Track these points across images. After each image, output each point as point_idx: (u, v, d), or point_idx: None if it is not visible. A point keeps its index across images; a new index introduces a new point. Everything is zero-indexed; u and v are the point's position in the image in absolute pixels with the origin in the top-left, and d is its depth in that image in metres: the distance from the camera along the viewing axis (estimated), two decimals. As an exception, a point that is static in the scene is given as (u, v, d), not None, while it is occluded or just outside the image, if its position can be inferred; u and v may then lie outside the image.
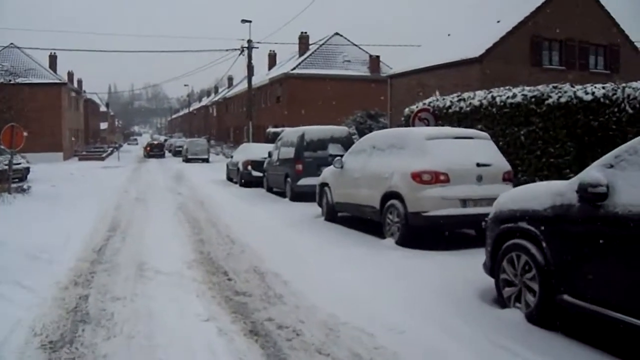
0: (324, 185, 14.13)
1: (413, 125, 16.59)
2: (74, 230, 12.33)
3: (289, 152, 18.88)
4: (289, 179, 18.64)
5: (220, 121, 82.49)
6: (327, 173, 14.10)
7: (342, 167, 13.07)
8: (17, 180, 25.57)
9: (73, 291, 7.84)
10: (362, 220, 12.54)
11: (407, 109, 18.44)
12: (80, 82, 71.64)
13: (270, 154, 21.28)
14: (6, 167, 25.01)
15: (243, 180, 24.18)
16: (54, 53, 53.32)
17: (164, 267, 9.12)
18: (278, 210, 16.00)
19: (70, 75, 64.24)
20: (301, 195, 17.75)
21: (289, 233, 12.34)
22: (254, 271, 8.84)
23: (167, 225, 13.58)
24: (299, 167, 17.98)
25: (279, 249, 10.56)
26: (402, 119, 18.97)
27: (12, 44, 46.86)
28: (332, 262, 9.30)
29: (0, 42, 44.48)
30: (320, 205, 14.53)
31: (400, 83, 35.98)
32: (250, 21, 40.85)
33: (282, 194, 19.61)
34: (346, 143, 17.97)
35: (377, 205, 11.27)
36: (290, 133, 19.91)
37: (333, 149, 17.93)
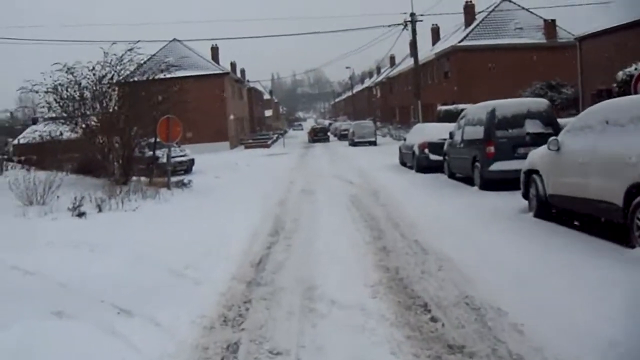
0: (531, 172, 11.02)
1: (636, 92, 13.05)
2: (231, 235, 10.58)
3: (476, 132, 15.86)
4: (477, 164, 15.62)
5: (384, 102, 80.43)
6: (536, 157, 10.99)
7: (558, 149, 9.89)
8: (182, 172, 25.39)
9: (220, 335, 5.80)
10: (589, 217, 9.33)
11: (620, 73, 14.60)
12: (243, 71, 73.25)
13: (451, 135, 18.35)
14: (173, 159, 25.03)
15: (420, 165, 21.51)
16: (215, 45, 54.30)
17: (339, 294, 6.81)
18: (468, 203, 13.15)
19: (233, 65, 65.58)
20: (493, 183, 14.74)
21: (491, 236, 9.50)
22: (465, 304, 6.19)
23: (340, 227, 11.36)
24: (490, 149, 14.91)
25: (487, 261, 7.82)
26: (615, 85, 15.13)
27: (174, 38, 48.22)
28: (574, 287, 6.37)
29: (163, 37, 45.75)
30: (526, 197, 11.44)
31: (593, 46, 30.90)
32: (412, -7, 37.83)
33: (467, 181, 16.64)
34: (546, 118, 14.73)
35: (617, 201, 8.02)
36: (477, 109, 16.83)
37: (531, 126, 14.63)
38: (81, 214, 12.06)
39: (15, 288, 7.12)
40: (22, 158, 22.00)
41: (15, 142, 32.27)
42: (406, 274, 7.60)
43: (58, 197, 13.24)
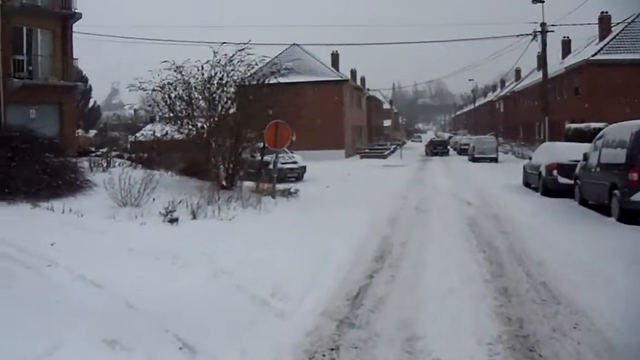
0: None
1: None
2: (329, 258, 9.43)
3: (616, 155, 13.68)
4: (616, 192, 13.41)
5: (507, 117, 76.52)
6: None
7: None
8: (293, 179, 24.69)
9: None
10: None
11: None
12: (363, 79, 72.38)
13: (586, 157, 16.15)
14: (283, 165, 24.43)
15: (546, 188, 19.35)
16: (336, 51, 53.83)
17: (447, 351, 5.45)
18: (605, 239, 11.02)
19: (353, 72, 64.90)
20: (635, 215, 12.60)
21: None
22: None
23: (454, 256, 9.87)
24: (634, 176, 12.75)
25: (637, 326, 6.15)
26: None
27: (294, 43, 48.16)
28: None
29: (285, 41, 45.75)
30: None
31: None
32: (542, 1, 35.08)
33: (601, 210, 14.43)
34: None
35: None
36: (618, 129, 14.55)
37: (686, 151, 12.39)
38: (173, 220, 11.41)
39: (75, 303, 6.37)
40: (132, 155, 22.10)
41: (132, 139, 33.10)
42: (532, 330, 6.08)
43: (154, 199, 12.74)
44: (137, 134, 33.42)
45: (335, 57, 54.02)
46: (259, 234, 11.01)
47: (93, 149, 25.58)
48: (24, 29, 22.68)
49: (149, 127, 29.68)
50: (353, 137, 53.64)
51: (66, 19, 23.90)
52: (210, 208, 12.79)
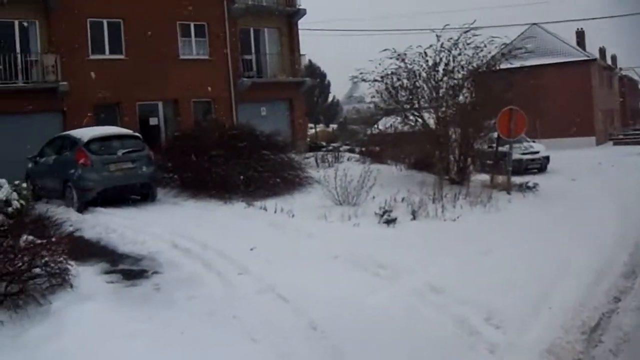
0: None
1: None
2: (564, 270, 7.71)
3: None
4: None
5: None
6: None
7: None
8: (535, 171, 22.50)
9: None
10: None
11: None
12: (614, 57, 64.96)
13: None
14: (523, 156, 22.30)
15: None
16: (581, 28, 48.62)
17: None
18: None
19: (602, 51, 58.47)
20: None
21: None
22: None
23: None
24: None
25: None
26: None
27: (533, 23, 44.50)
28: None
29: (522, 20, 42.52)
30: None
31: None
32: None
33: None
34: None
35: None
36: None
37: None
38: (389, 221, 10.49)
39: (252, 321, 5.81)
40: (363, 149, 21.79)
41: (369, 132, 33.11)
42: None
43: (374, 197, 11.97)
44: (373, 128, 33.48)
45: (580, 35, 49.00)
46: (484, 238, 9.60)
47: (324, 144, 25.97)
48: (251, 29, 23.73)
49: (385, 120, 29.44)
50: (604, 122, 48.22)
51: (291, 16, 24.60)
52: (434, 206, 11.67)
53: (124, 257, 8.77)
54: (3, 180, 10.89)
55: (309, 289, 6.68)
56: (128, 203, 13.07)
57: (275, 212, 11.54)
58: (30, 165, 14.54)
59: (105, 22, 20.12)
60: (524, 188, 15.35)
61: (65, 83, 18.59)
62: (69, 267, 6.83)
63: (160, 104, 21.87)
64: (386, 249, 8.42)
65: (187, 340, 5.44)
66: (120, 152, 12.81)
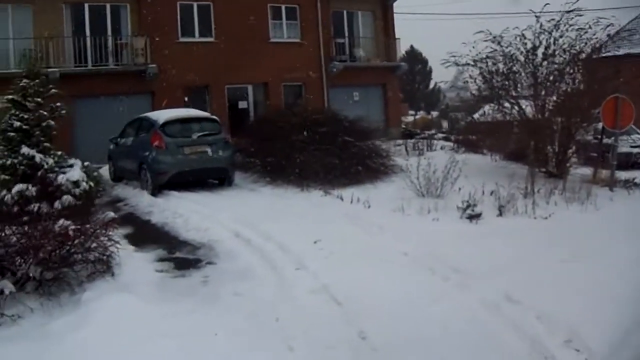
0: None
1: None
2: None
3: None
4: None
5: None
6: None
7: None
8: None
9: None
10: None
11: None
12: None
13: None
14: (632, 149, 20.25)
15: None
16: None
17: None
18: None
19: None
20: None
21: None
22: None
23: None
24: None
25: None
26: None
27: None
28: None
29: None
30: None
31: None
32: None
33: None
34: None
35: None
36: None
37: None
38: (472, 217, 9.53)
39: (294, 326, 5.24)
40: (459, 137, 20.66)
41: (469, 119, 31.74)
42: None
43: (460, 189, 11.00)
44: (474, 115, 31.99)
45: None
46: (578, 241, 8.31)
47: (418, 132, 25.01)
48: (344, 12, 23.00)
49: (487, 107, 27.93)
50: None
51: (385, -1, 23.65)
52: (524, 202, 10.56)
53: (183, 245, 8.43)
54: (77, 161, 10.89)
55: (366, 291, 5.99)
56: (203, 187, 12.81)
57: (351, 202, 10.87)
58: (111, 146, 14.63)
59: (195, 4, 20.07)
60: (630, 184, 13.75)
61: (154, 65, 18.71)
62: (111, 254, 6.48)
63: (249, 87, 21.66)
64: (463, 249, 7.53)
65: (218, 343, 4.92)
66: (195, 135, 12.52)
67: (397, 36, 24.03)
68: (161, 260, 7.65)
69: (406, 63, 28.34)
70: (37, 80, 10.59)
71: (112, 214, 6.76)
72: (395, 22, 24.13)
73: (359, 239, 8.23)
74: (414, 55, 47.64)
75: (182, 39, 19.86)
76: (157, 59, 18.95)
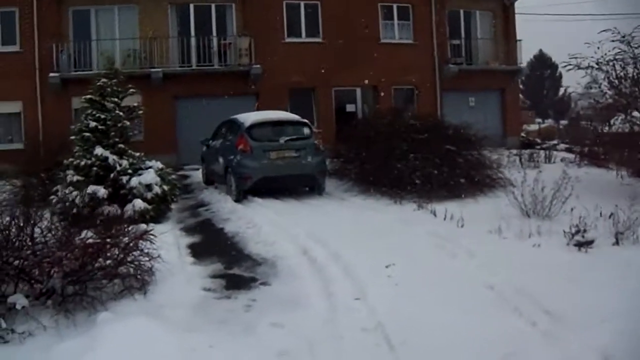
0: None
1: None
2: None
3: None
4: None
5: None
6: None
7: None
8: None
9: None
10: None
11: None
12: None
13: None
14: None
15: None
16: None
17: None
18: None
19: None
20: None
21: None
22: None
23: None
24: None
25: None
26: None
27: None
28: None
29: None
30: None
31: None
32: None
33: None
34: None
35: None
36: None
37: None
38: (582, 244, 8.04)
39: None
40: (583, 150, 18.67)
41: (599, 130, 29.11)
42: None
43: (572, 209, 9.45)
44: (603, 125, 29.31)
45: None
46: None
47: (539, 141, 23.07)
48: (461, 12, 21.62)
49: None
50: None
51: (506, -4, 21.95)
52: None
53: (245, 259, 7.75)
54: (156, 164, 10.55)
55: (429, 333, 4.98)
56: (291, 195, 12.12)
57: (444, 218, 9.74)
58: (204, 148, 14.33)
59: (302, 4, 19.64)
60: None
61: (258, 66, 18.42)
62: (148, 269, 5.87)
63: (358, 90, 20.86)
64: (563, 284, 6.20)
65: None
66: (282, 140, 11.84)
67: (518, 37, 22.30)
68: (214, 276, 6.99)
69: (534, 68, 26.42)
70: (114, 80, 10.33)
71: (144, 226, 6.14)
72: (516, 23, 22.42)
73: (439, 265, 7.13)
74: (542, 60, 44.88)
75: (288, 39, 19.46)
76: (262, 59, 18.67)
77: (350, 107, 20.62)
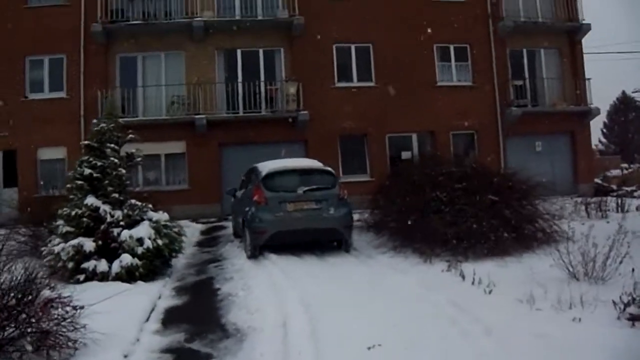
0: None
1: None
2: None
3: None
4: None
5: None
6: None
7: None
8: None
9: None
10: None
11: None
12: None
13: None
14: None
15: None
16: None
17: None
18: None
19: None
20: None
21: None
22: None
23: None
24: None
25: None
26: None
27: None
28: None
29: None
30: None
31: None
32: None
33: None
34: None
35: None
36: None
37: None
38: (636, 319, 6.44)
39: None
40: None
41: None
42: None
43: (633, 270, 7.78)
44: None
45: None
46: None
47: (614, 187, 20.93)
48: (524, 50, 20.12)
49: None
50: None
51: (573, 33, 20.28)
52: None
53: (215, 330, 6.75)
54: (162, 215, 9.79)
55: None
56: (314, 251, 11.05)
57: (472, 282, 8.37)
58: (232, 199, 13.55)
59: (353, 47, 18.87)
60: None
61: (305, 112, 17.70)
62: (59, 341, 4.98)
63: (414, 136, 19.74)
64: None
65: None
66: (301, 190, 10.81)
67: (587, 76, 20.44)
68: (164, 351, 6.04)
69: (618, 110, 24.36)
70: (112, 125, 9.74)
71: (48, 292, 5.24)
72: (584, 61, 20.67)
73: (441, 348, 5.79)
74: (626, 102, 42.17)
75: (338, 84, 18.69)
76: (311, 104, 17.90)
77: (405, 155, 19.42)
